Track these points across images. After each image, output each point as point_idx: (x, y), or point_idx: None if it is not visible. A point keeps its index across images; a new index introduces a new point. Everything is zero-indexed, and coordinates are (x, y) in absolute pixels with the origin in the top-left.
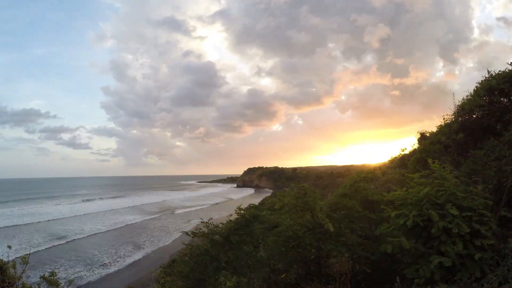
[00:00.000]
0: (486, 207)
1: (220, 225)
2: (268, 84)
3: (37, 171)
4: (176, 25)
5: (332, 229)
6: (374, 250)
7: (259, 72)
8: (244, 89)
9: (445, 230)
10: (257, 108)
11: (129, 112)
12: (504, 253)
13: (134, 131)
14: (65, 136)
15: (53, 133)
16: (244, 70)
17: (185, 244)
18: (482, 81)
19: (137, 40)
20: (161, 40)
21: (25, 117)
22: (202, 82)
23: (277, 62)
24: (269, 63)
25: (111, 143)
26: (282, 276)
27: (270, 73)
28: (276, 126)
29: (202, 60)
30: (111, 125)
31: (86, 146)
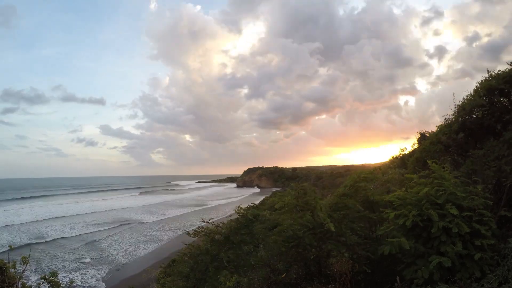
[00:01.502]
0: (486, 207)
1: (221, 225)
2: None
3: (41, 170)
4: None
5: (333, 229)
6: (374, 250)
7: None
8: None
9: (445, 230)
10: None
11: (152, 116)
12: (504, 253)
13: (149, 133)
14: (81, 135)
15: (70, 128)
16: None
17: (186, 244)
18: (482, 81)
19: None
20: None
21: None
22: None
23: None
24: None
25: (123, 143)
26: (282, 276)
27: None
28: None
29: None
30: (129, 127)
31: (101, 145)
